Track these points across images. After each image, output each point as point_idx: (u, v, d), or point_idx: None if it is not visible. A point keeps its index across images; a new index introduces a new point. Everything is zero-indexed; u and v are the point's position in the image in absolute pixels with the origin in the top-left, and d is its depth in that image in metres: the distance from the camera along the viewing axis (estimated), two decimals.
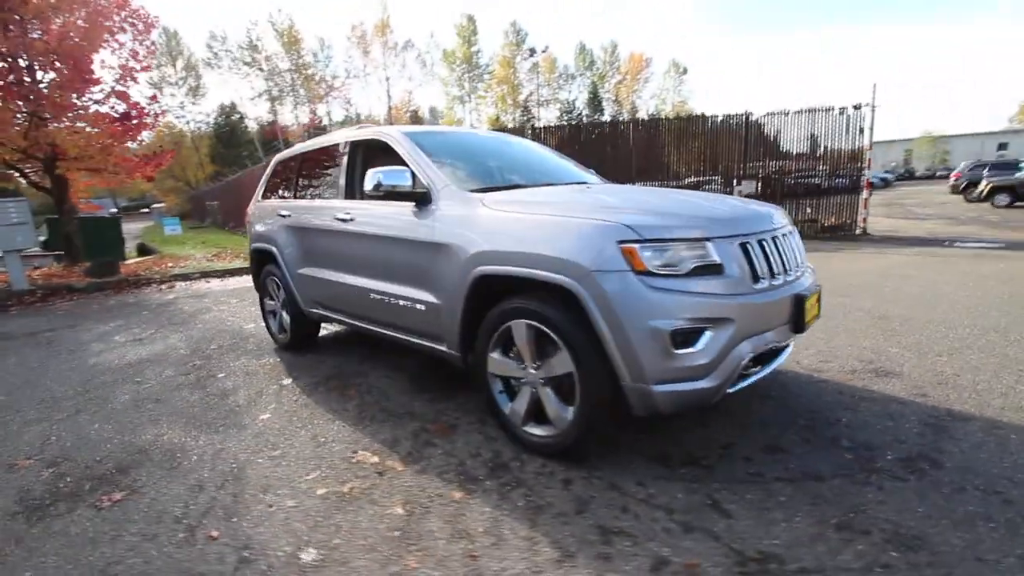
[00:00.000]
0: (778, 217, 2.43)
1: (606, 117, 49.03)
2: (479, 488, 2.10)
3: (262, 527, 1.92)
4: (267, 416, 2.93)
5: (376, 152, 3.82)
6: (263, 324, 4.68)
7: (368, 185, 2.73)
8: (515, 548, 1.73)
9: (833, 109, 11.11)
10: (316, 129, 33.05)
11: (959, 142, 46.51)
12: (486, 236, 2.36)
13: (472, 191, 2.62)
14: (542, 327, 2.16)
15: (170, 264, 10.27)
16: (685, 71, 55.06)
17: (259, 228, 4.29)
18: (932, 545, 1.64)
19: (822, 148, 11.62)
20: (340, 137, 3.55)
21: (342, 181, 3.40)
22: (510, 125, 36.94)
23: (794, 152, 11.85)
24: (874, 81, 26.43)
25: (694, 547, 1.69)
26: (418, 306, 2.76)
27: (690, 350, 1.91)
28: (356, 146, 3.42)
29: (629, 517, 1.86)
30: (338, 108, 44.47)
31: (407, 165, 2.86)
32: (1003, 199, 15.08)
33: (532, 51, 38.32)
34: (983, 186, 15.87)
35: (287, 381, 3.50)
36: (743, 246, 2.06)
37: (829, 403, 2.70)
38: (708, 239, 1.99)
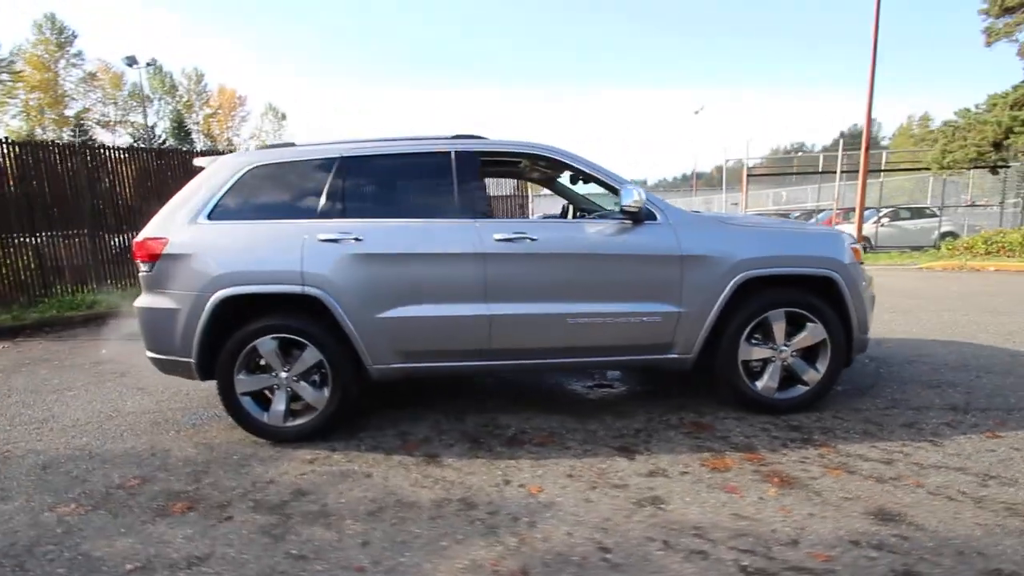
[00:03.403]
0: None
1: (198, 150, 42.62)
2: (831, 440, 2.61)
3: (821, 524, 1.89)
4: (545, 488, 2.25)
5: (502, 166, 3.53)
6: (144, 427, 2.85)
7: (625, 201, 2.67)
8: (950, 450, 2.46)
9: None
10: None
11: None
12: (742, 246, 2.84)
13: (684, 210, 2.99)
14: (798, 310, 2.87)
15: None
16: (284, 116, 54.62)
17: (233, 265, 2.73)
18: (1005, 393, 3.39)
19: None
20: (449, 146, 2.89)
21: (464, 194, 2.83)
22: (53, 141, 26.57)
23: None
24: None
25: (960, 422, 2.87)
26: (651, 319, 2.82)
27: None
28: (483, 157, 2.93)
29: (921, 417, 2.87)
30: None
31: (604, 183, 2.90)
32: None
33: (132, 60, 29.38)
34: None
35: (438, 465, 2.56)
36: None
37: None
38: None
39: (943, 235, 13.07)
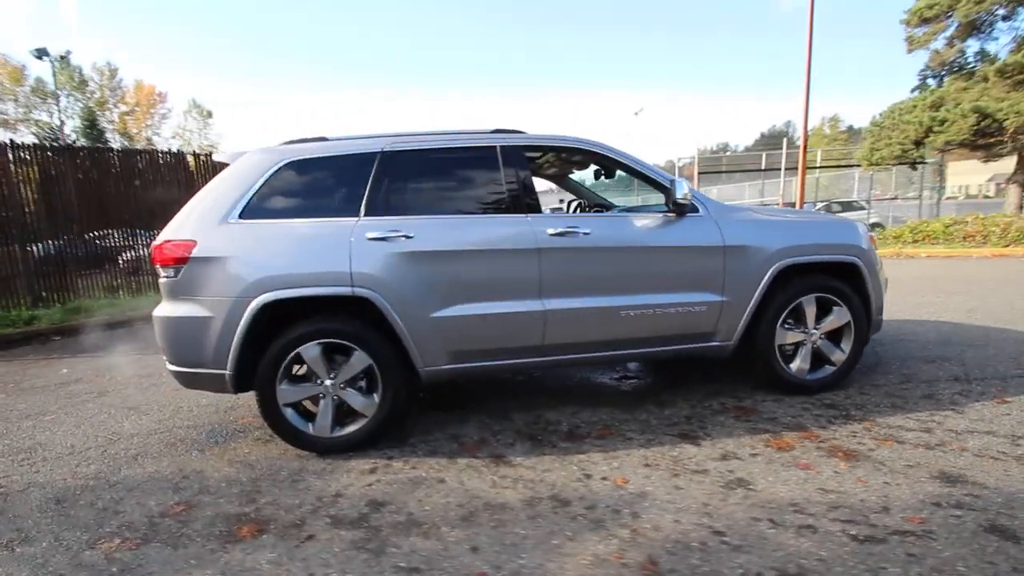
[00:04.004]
0: None
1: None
2: (868, 414, 2.79)
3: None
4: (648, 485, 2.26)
5: (541, 162, 3.51)
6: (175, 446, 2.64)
7: (678, 194, 2.72)
8: (972, 416, 2.68)
9: None
10: None
11: None
12: (777, 235, 2.98)
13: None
14: (825, 295, 3.05)
15: None
16: (210, 114, 51.20)
17: (275, 268, 2.54)
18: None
19: None
20: (493, 140, 2.83)
21: (513, 189, 2.79)
22: None
23: None
24: None
25: (968, 391, 3.14)
26: (697, 308, 2.90)
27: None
28: (530, 152, 2.90)
29: (935, 389, 3.11)
30: None
31: (648, 177, 2.96)
32: None
33: (42, 52, 25.49)
34: None
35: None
36: None
37: None
38: None
39: (872, 226, 14.33)
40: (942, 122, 10.84)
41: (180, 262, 2.55)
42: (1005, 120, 9.74)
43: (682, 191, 2.75)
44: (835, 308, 3.08)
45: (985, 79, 10.58)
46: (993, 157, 11.78)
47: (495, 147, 2.84)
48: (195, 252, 2.54)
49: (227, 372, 2.57)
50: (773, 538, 1.84)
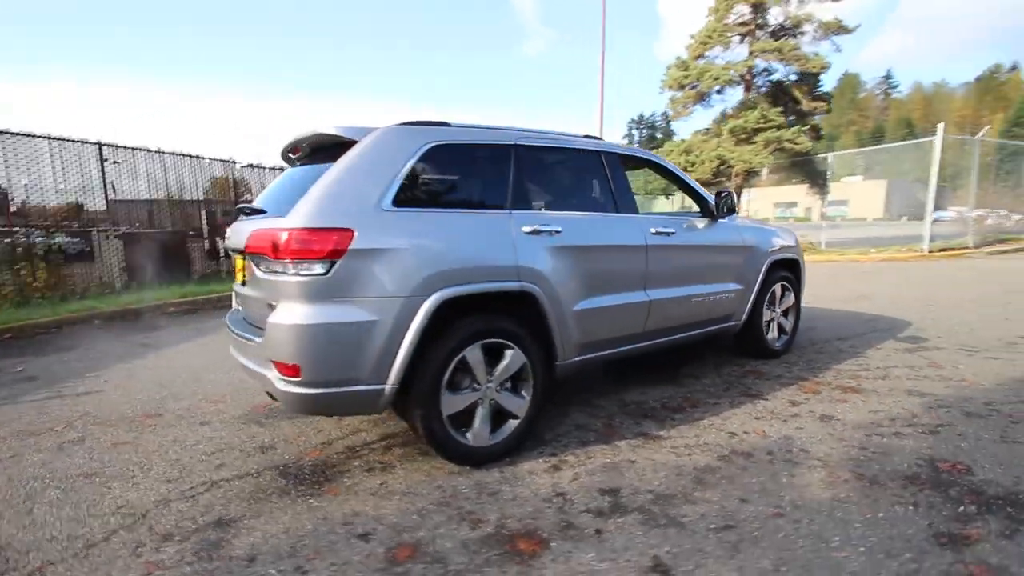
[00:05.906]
0: None
1: None
2: (826, 365, 3.88)
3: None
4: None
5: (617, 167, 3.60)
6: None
7: (733, 204, 3.37)
8: (875, 359, 3.96)
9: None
10: None
11: None
12: (765, 238, 3.92)
13: None
14: (785, 283, 4.14)
15: None
16: None
17: (450, 261, 2.29)
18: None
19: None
20: (598, 145, 3.02)
21: (619, 192, 3.07)
22: None
23: None
24: None
25: (853, 345, 4.56)
26: (730, 295, 3.63)
27: None
28: (621, 159, 3.17)
29: (836, 346, 4.42)
30: None
31: (695, 191, 3.56)
32: None
33: None
34: None
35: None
36: None
37: None
38: None
39: None
40: (693, 163, 14.61)
41: (334, 255, 2.06)
42: (735, 166, 13.85)
43: (737, 202, 3.46)
44: (787, 292, 4.22)
45: (719, 135, 14.79)
46: None
47: (600, 152, 3.06)
48: (354, 243, 2.09)
49: (388, 386, 2.19)
50: (890, 443, 2.60)
